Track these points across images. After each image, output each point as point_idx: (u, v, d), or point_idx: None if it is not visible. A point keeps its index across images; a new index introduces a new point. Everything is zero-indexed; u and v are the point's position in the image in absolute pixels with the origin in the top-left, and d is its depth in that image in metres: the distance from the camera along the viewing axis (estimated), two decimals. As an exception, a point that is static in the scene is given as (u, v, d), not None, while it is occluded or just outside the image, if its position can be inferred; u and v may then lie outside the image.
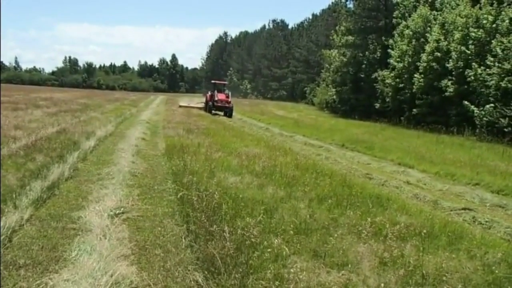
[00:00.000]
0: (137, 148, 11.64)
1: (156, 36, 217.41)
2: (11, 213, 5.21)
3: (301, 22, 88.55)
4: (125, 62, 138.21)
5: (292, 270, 3.96)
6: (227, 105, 28.78)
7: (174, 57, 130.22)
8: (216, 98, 28.87)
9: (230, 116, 27.99)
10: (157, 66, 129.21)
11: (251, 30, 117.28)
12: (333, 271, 4.10)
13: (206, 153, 10.12)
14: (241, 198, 6.19)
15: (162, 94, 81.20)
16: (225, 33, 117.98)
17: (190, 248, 4.77)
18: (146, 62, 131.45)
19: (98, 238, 4.84)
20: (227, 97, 29.60)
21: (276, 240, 4.70)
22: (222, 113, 28.70)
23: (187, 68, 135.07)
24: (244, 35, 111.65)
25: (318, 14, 79.73)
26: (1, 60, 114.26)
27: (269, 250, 4.37)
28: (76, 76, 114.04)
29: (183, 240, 5.03)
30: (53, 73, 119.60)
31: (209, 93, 31.22)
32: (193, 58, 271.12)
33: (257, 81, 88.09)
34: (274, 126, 23.02)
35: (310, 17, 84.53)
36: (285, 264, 4.21)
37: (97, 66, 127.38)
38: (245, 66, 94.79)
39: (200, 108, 31.91)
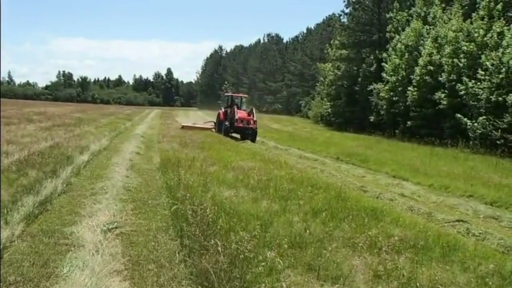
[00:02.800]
0: (131, 162, 11.60)
1: (152, 50, 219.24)
2: (2, 229, 5.15)
3: (296, 36, 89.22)
4: (120, 76, 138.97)
5: (285, 284, 3.94)
6: (251, 126, 21.87)
7: (169, 71, 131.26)
8: (236, 117, 21.87)
9: (253, 140, 21.37)
10: (152, 80, 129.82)
11: (246, 44, 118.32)
12: (327, 284, 4.08)
13: (201, 167, 10.08)
14: (235, 212, 6.16)
15: (157, 108, 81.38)
16: (220, 47, 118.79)
17: (184, 263, 4.73)
18: (141, 76, 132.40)
19: (90, 254, 4.79)
20: (250, 114, 22.65)
21: (271, 254, 4.67)
22: (239, 136, 22.42)
23: (182, 82, 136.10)
24: (239, 49, 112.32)
25: (312, 28, 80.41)
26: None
27: (263, 264, 4.34)
28: (70, 90, 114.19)
29: (177, 254, 5.00)
30: (47, 87, 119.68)
31: (223, 109, 24.59)
32: (188, 72, 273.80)
33: (252, 95, 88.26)
34: (269, 140, 23.04)
35: (305, 31, 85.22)
36: (279, 278, 4.18)
37: (92, 80, 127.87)
38: (240, 80, 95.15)
39: (208, 129, 24.70)
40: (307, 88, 61.69)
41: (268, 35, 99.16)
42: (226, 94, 27.63)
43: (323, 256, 4.65)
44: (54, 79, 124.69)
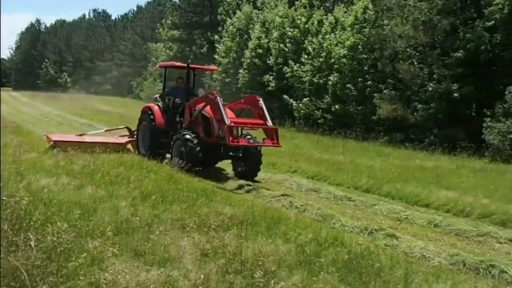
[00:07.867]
0: None
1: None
2: None
3: (125, 14, 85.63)
4: None
5: (109, 273, 3.70)
6: (250, 143, 9.68)
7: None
8: (226, 121, 8.84)
9: (254, 174, 10.01)
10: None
11: (69, 19, 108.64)
12: (154, 269, 3.95)
13: (14, 154, 8.91)
14: (54, 201, 5.57)
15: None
16: (38, 21, 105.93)
17: (-12, 264, 4.07)
18: None
19: None
20: (235, 110, 10.52)
21: (94, 243, 4.34)
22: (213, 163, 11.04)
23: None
24: (61, 23, 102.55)
25: (143, 6, 77.96)
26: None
27: (84, 255, 4.00)
28: None
29: (-22, 255, 4.27)
30: None
31: (158, 99, 11.41)
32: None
33: (78, 74, 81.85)
34: (98, 122, 21.63)
35: (135, 8, 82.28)
36: (102, 267, 3.90)
37: None
38: (64, 58, 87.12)
39: (119, 146, 11.53)
40: (139, 68, 59.61)
41: (94, 10, 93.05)
42: (164, 64, 13.75)
43: (150, 240, 4.51)
44: None
